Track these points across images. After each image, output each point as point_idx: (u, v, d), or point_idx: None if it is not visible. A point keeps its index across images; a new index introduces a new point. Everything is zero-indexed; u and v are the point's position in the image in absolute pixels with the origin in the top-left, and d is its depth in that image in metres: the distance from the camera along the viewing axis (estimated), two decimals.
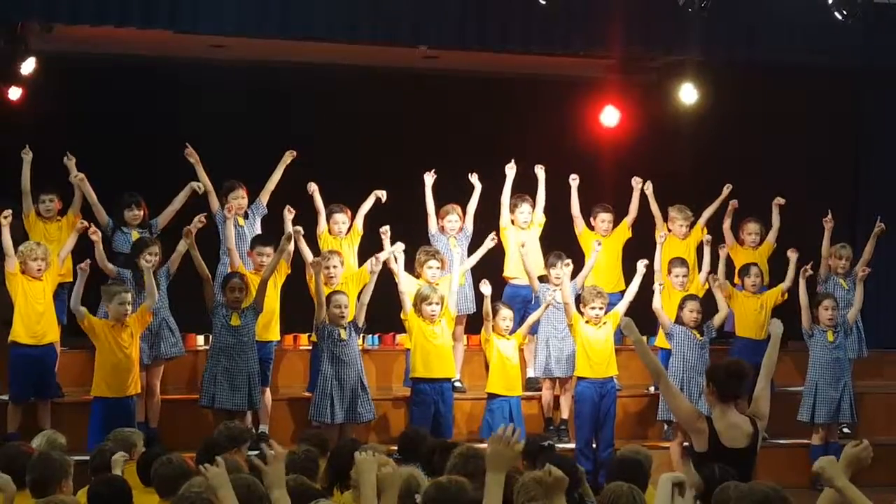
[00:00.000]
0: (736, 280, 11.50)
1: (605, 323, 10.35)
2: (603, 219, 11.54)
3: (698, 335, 10.53)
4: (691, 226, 11.67)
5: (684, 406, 7.10)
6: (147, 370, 9.98)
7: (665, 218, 11.69)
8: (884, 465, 10.95)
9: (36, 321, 9.72)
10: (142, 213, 10.52)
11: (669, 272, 11.15)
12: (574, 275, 10.63)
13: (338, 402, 9.74)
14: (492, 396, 10.30)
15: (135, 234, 10.34)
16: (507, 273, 11.40)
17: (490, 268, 11.26)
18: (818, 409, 10.72)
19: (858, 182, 13.61)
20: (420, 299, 10.16)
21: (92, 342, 9.58)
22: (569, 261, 10.74)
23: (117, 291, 9.54)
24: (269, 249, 10.26)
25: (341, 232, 10.88)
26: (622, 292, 10.95)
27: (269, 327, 10.32)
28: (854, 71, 12.64)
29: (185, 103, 12.16)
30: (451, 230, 11.20)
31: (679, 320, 10.62)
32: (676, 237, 11.63)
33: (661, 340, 11.06)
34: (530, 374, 11.13)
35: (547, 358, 10.79)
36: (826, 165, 13.50)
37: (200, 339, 11.24)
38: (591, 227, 11.56)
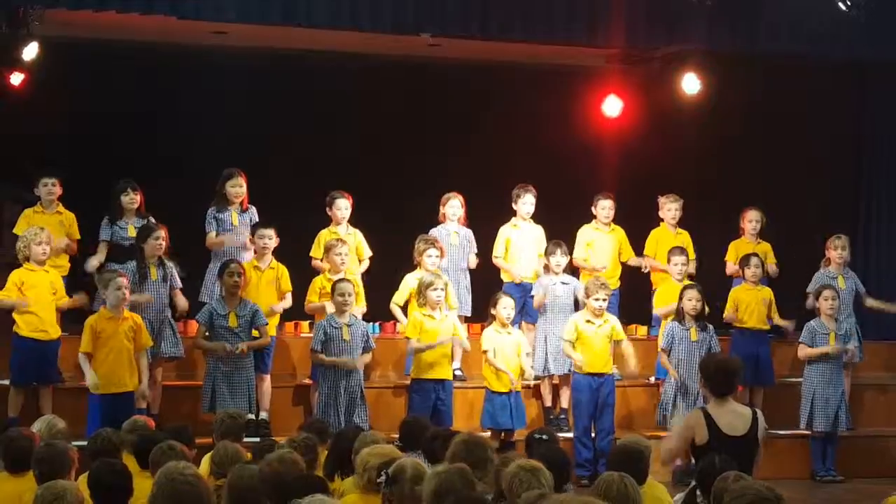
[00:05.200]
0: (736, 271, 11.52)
1: (605, 323, 10.31)
2: (603, 206, 11.50)
3: (694, 334, 10.48)
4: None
5: (674, 442, 7.19)
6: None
7: (656, 208, 11.69)
8: (882, 456, 11.05)
9: (39, 320, 9.63)
10: (138, 197, 10.39)
11: (669, 261, 11.15)
12: None
13: (337, 411, 9.70)
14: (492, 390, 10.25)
15: (131, 229, 10.23)
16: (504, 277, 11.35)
17: (488, 268, 11.31)
18: (816, 418, 10.69)
19: (860, 175, 13.59)
20: (425, 286, 10.10)
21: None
22: (566, 248, 10.82)
23: (112, 277, 9.34)
24: (270, 232, 10.26)
25: (344, 217, 10.85)
26: (617, 289, 11.25)
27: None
28: (857, 63, 12.62)
29: (186, 89, 12.14)
30: (452, 216, 11.18)
31: (679, 312, 10.59)
32: (668, 230, 11.64)
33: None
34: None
35: (545, 355, 10.78)
36: (827, 155, 13.51)
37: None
38: (594, 216, 11.56)
